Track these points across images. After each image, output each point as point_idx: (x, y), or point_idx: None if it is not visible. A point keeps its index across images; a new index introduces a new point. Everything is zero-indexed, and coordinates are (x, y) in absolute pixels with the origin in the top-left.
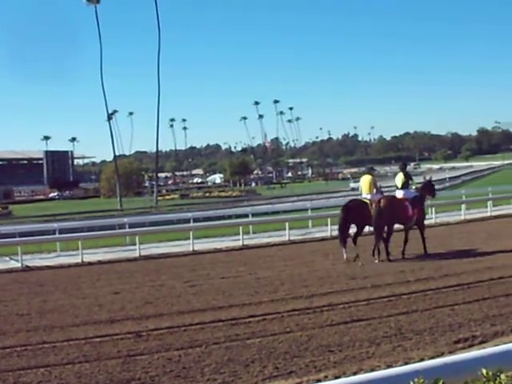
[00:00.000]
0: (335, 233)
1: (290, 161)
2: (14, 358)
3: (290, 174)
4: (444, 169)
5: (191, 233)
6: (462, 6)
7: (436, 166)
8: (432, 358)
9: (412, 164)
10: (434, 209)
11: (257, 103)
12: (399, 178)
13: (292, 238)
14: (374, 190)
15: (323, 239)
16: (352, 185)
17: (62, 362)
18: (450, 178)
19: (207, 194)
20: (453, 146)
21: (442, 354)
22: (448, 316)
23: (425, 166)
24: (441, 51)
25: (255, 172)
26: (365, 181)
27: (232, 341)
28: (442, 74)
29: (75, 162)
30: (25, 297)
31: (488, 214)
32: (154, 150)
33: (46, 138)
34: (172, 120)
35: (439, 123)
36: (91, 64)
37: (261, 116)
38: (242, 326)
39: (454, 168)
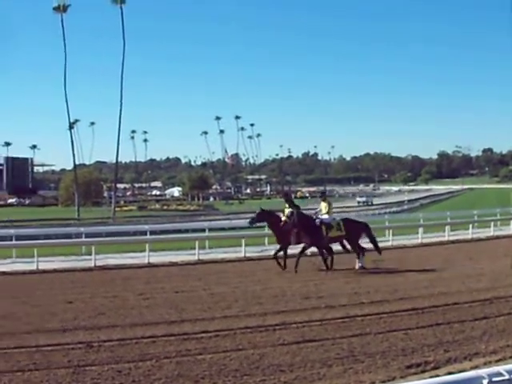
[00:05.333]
0: (291, 251)
1: (249, 177)
2: None
3: (248, 191)
4: (403, 191)
5: (147, 245)
6: (419, 29)
7: (395, 188)
8: (383, 382)
9: (371, 185)
10: (391, 231)
11: (218, 118)
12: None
13: (248, 254)
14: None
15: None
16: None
17: (12, 369)
18: (408, 201)
19: (165, 207)
20: (413, 169)
21: (393, 379)
22: (401, 340)
23: (383, 188)
24: (401, 75)
25: (214, 187)
26: (326, 204)
27: (183, 356)
28: (403, 97)
29: (35, 169)
30: None
31: (445, 239)
32: (114, 160)
33: (7, 144)
34: (133, 132)
35: (400, 145)
36: (55, 71)
37: (222, 131)
38: (194, 342)
39: (412, 191)
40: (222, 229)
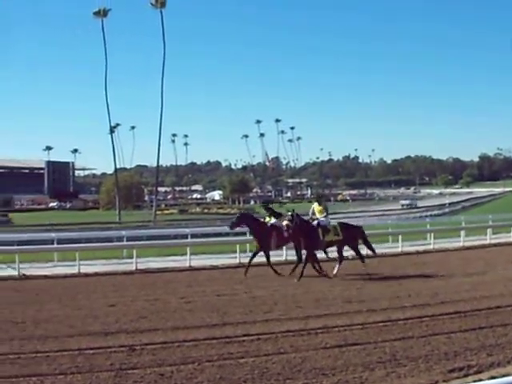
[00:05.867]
0: (331, 254)
1: (290, 180)
2: (6, 365)
3: (289, 194)
4: (444, 194)
5: (188, 249)
6: (468, 32)
7: (435, 191)
8: None
9: (412, 188)
10: (432, 234)
11: (258, 122)
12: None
13: (289, 258)
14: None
15: (320, 261)
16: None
17: (55, 372)
18: (449, 204)
19: (206, 211)
20: (454, 172)
21: (436, 383)
22: (444, 344)
23: (424, 191)
24: (443, 77)
25: (254, 190)
26: (322, 208)
27: (225, 359)
28: (444, 99)
29: (76, 173)
30: (20, 305)
31: (487, 242)
32: (155, 164)
33: (48, 148)
34: (174, 135)
35: (441, 148)
36: (95, 75)
37: (262, 134)
38: (236, 345)
39: (454, 194)
40: None
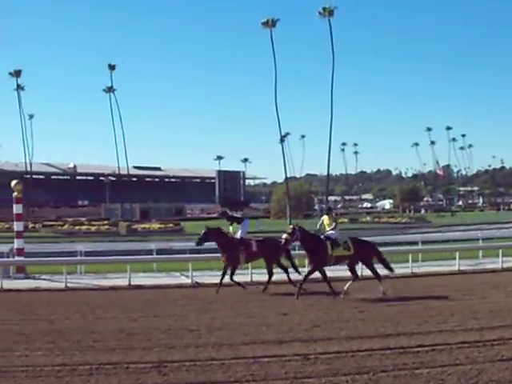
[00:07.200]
0: (507, 265)
1: (461, 189)
2: (182, 372)
3: (460, 203)
4: None
5: None
6: None
7: None
8: None
9: None
10: None
11: (429, 129)
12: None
13: (462, 268)
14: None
15: (494, 271)
16: None
17: (230, 379)
18: None
19: (376, 220)
20: None
21: None
22: None
23: None
24: None
25: (425, 199)
26: (331, 221)
27: (400, 370)
28: None
29: (246, 182)
30: (194, 313)
31: None
32: (325, 173)
33: (219, 157)
34: (343, 144)
35: None
36: (264, 84)
37: (432, 142)
38: (411, 355)
39: None
40: (435, 241)
